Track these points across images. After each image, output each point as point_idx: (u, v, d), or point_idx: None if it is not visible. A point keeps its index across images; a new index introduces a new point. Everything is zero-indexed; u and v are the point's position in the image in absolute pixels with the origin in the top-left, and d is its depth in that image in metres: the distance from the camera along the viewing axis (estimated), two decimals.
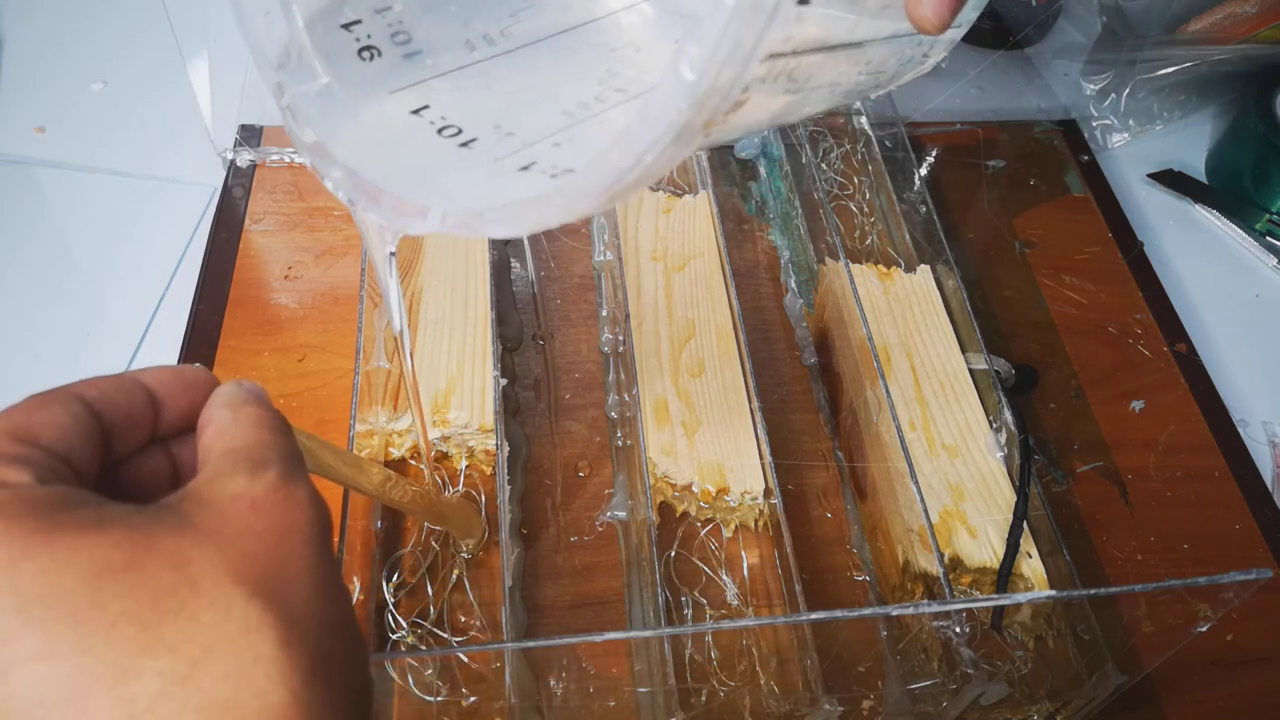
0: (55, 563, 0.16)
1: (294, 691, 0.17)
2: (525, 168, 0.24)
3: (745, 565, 0.45)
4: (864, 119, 0.64)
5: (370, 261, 0.29)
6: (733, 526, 0.46)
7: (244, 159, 0.59)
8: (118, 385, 0.21)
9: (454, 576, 0.43)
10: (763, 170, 0.63)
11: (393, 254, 0.27)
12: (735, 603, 0.44)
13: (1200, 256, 0.63)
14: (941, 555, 0.40)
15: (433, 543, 0.44)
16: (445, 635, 0.42)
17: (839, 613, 0.34)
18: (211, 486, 0.19)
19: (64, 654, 0.16)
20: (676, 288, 0.53)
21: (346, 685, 0.19)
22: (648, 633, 0.41)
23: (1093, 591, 0.35)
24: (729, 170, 0.63)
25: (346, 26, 0.27)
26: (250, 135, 0.60)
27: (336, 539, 0.38)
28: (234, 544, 0.18)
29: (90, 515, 0.17)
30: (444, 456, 0.47)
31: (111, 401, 0.21)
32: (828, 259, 0.54)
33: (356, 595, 0.42)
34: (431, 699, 0.39)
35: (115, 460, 0.21)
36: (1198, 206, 0.65)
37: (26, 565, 0.16)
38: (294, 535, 0.19)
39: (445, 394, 0.47)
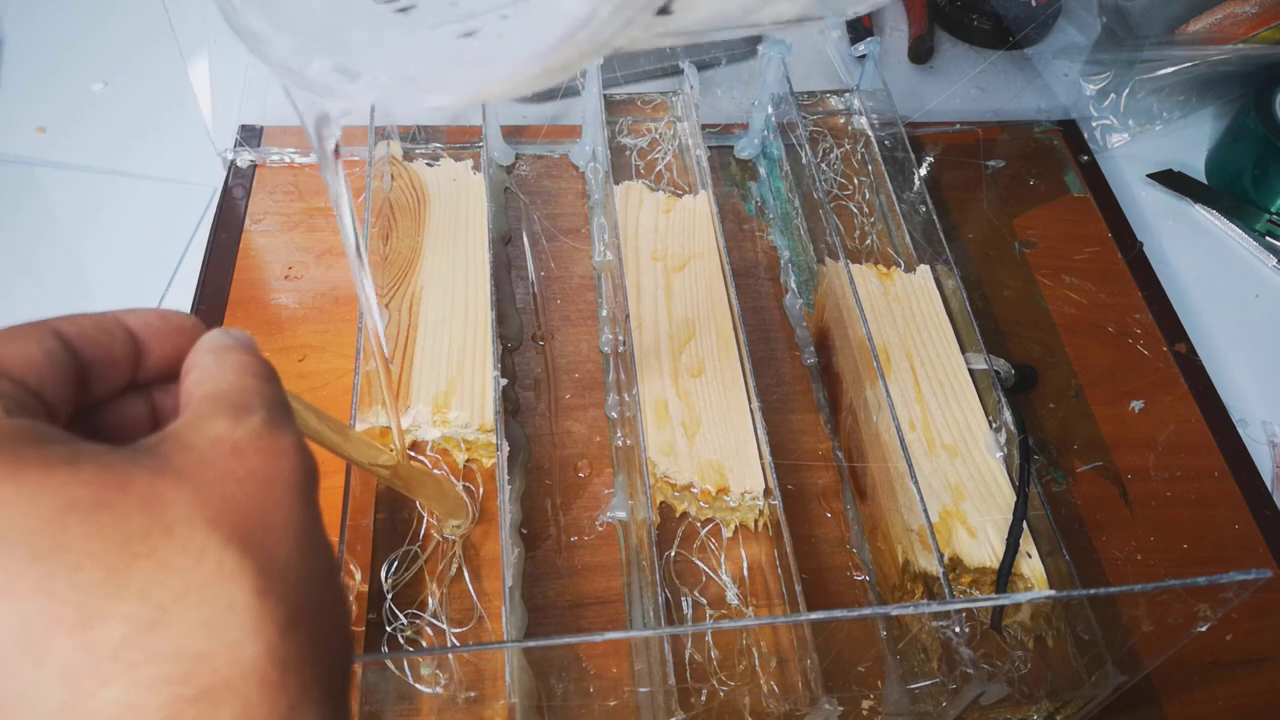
0: (19, 497, 0.15)
1: (269, 644, 0.16)
2: (468, 34, 0.22)
3: (745, 565, 0.45)
4: (864, 119, 0.64)
5: (321, 169, 0.28)
6: (733, 526, 0.46)
7: (244, 159, 0.59)
8: (98, 324, 0.20)
9: (453, 569, 0.43)
10: (762, 170, 0.63)
11: (338, 147, 0.26)
12: (735, 603, 0.44)
13: (1200, 256, 0.63)
14: (941, 555, 0.40)
15: (433, 534, 0.44)
16: (443, 626, 0.42)
17: (839, 613, 0.34)
18: (192, 429, 0.18)
19: (23, 594, 0.15)
20: (676, 288, 0.53)
21: (326, 640, 0.18)
22: (648, 633, 0.41)
23: (1092, 591, 0.35)
24: (729, 170, 0.63)
25: None
26: (250, 135, 0.60)
27: (336, 539, 0.38)
28: (213, 488, 0.17)
29: (59, 452, 0.16)
30: (444, 453, 0.47)
31: (90, 339, 0.20)
32: (827, 259, 0.54)
33: (355, 588, 0.42)
34: (431, 690, 0.39)
35: (92, 403, 0.20)
36: (1197, 206, 0.65)
37: None
38: (277, 483, 0.18)
39: (445, 394, 0.47)
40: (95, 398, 0.20)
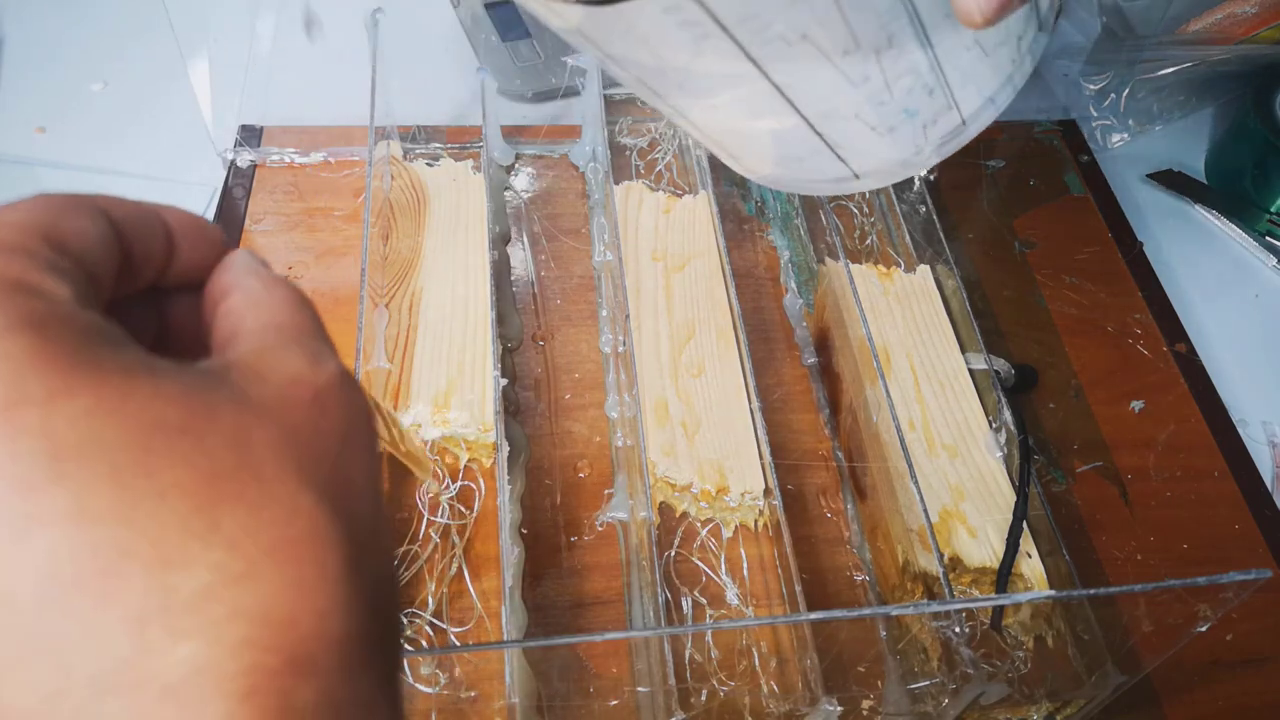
0: (102, 407, 0.13)
1: (360, 621, 0.14)
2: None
3: (745, 565, 0.45)
4: None
5: None
6: (733, 526, 0.46)
7: (244, 159, 0.59)
8: (140, 212, 0.17)
9: (453, 569, 0.43)
10: None
11: None
12: (735, 603, 0.44)
13: (1200, 256, 0.63)
14: (941, 555, 0.40)
15: (432, 535, 0.44)
16: (443, 626, 0.42)
17: (839, 613, 0.34)
18: (264, 361, 0.16)
19: (99, 519, 0.13)
20: (676, 288, 0.53)
21: (397, 623, 0.16)
22: (648, 633, 0.41)
23: (1092, 591, 0.35)
24: (729, 170, 0.63)
25: None
26: (250, 135, 0.60)
27: None
28: (300, 436, 0.15)
29: (139, 359, 0.14)
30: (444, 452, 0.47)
31: (135, 227, 0.17)
32: (827, 259, 0.54)
33: None
34: (431, 690, 0.39)
35: (111, 300, 0.17)
36: (1197, 207, 0.65)
37: (66, 404, 0.13)
38: (357, 441, 0.16)
39: (445, 394, 0.47)
40: (117, 295, 0.17)
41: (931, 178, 0.64)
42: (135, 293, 0.18)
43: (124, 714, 0.12)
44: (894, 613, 0.41)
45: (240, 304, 0.18)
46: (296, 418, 0.15)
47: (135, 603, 0.13)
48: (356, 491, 0.16)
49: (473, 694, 0.39)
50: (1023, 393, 0.53)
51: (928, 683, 0.41)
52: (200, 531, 0.13)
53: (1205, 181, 0.67)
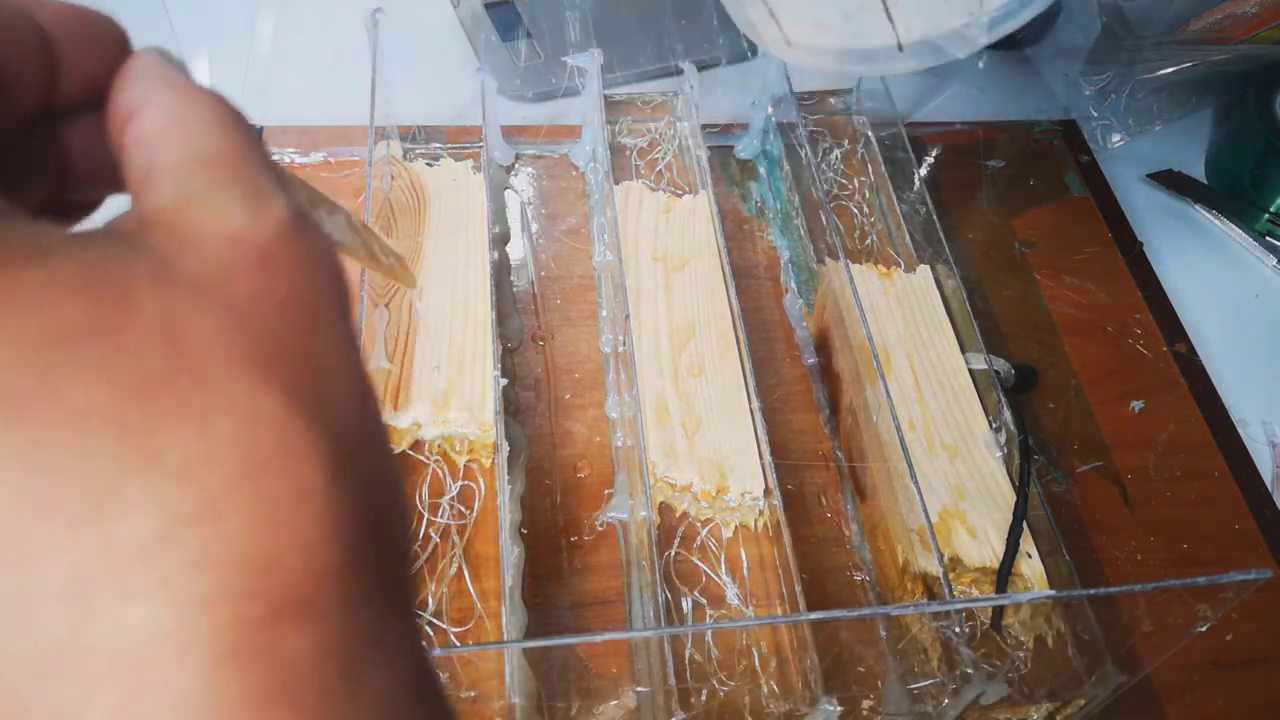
0: None
1: (353, 546, 0.12)
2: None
3: (745, 565, 0.45)
4: (864, 119, 0.64)
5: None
6: (733, 526, 0.46)
7: None
8: None
9: (453, 569, 0.43)
10: (762, 170, 0.63)
11: None
12: (735, 603, 0.44)
13: (1200, 257, 0.63)
14: (941, 555, 0.40)
15: (432, 535, 0.44)
16: (443, 626, 0.42)
17: (839, 613, 0.34)
18: (191, 215, 0.12)
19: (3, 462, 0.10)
20: (676, 288, 0.53)
21: (401, 535, 0.13)
22: (648, 633, 0.41)
23: (1092, 591, 0.35)
24: (729, 170, 0.63)
25: None
26: None
27: None
28: (248, 316, 0.12)
29: (20, 236, 0.11)
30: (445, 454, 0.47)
31: None
32: (827, 259, 0.54)
33: None
34: None
35: None
36: (1197, 207, 0.65)
37: None
38: (325, 312, 0.13)
39: (445, 394, 0.47)
40: None
41: (924, 173, 0.64)
42: (11, 127, 0.14)
43: (69, 695, 0.10)
44: (894, 613, 0.41)
45: (152, 128, 0.13)
46: (241, 291, 0.12)
47: (65, 567, 0.10)
48: (332, 377, 0.12)
49: (473, 694, 0.39)
50: (1023, 393, 0.53)
51: (928, 683, 0.41)
52: (137, 465, 0.10)
53: (1205, 181, 0.67)
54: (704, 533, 0.46)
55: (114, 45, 0.15)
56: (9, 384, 0.10)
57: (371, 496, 0.12)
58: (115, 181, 0.14)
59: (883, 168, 0.60)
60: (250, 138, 0.14)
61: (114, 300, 0.11)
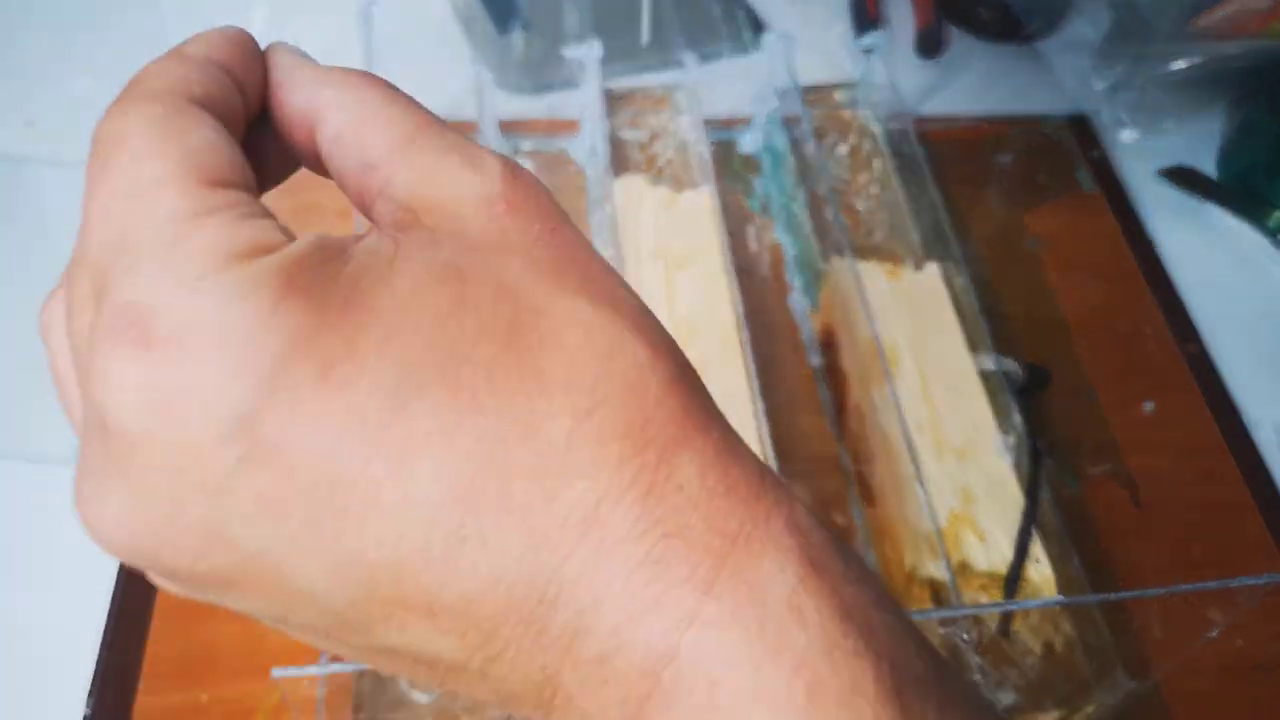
0: (387, 327, 0.13)
1: (689, 388, 0.15)
2: None
3: None
4: (870, 113, 0.63)
5: None
6: None
7: None
8: (204, 74, 0.16)
9: None
10: (766, 165, 0.62)
11: None
12: None
13: (1212, 255, 0.62)
14: (949, 560, 0.39)
15: None
16: None
17: None
18: (440, 195, 0.15)
19: (460, 426, 0.13)
20: (678, 286, 0.52)
21: (698, 385, 0.16)
22: None
23: (1103, 596, 0.35)
24: (732, 166, 0.62)
25: None
26: None
27: None
28: (533, 253, 0.15)
29: (361, 261, 0.14)
30: None
31: (217, 102, 0.16)
32: (833, 256, 0.53)
33: None
34: (427, 698, 0.39)
35: None
36: (1210, 204, 0.64)
37: (362, 341, 0.13)
38: (568, 231, 0.16)
39: None
40: None
41: (931, 168, 0.63)
42: (250, 125, 0.17)
43: (551, 562, 0.14)
44: None
45: (344, 127, 0.16)
46: (516, 237, 0.15)
47: (524, 478, 0.13)
48: (603, 274, 0.16)
49: (469, 700, 0.39)
50: (1035, 393, 0.52)
51: None
52: (537, 388, 0.14)
53: (1217, 179, 0.66)
54: None
55: (255, 58, 0.17)
56: (437, 364, 0.13)
57: (675, 349, 0.16)
58: (267, 179, 0.18)
59: (889, 162, 0.59)
60: (414, 102, 0.17)
61: (456, 280, 0.14)
